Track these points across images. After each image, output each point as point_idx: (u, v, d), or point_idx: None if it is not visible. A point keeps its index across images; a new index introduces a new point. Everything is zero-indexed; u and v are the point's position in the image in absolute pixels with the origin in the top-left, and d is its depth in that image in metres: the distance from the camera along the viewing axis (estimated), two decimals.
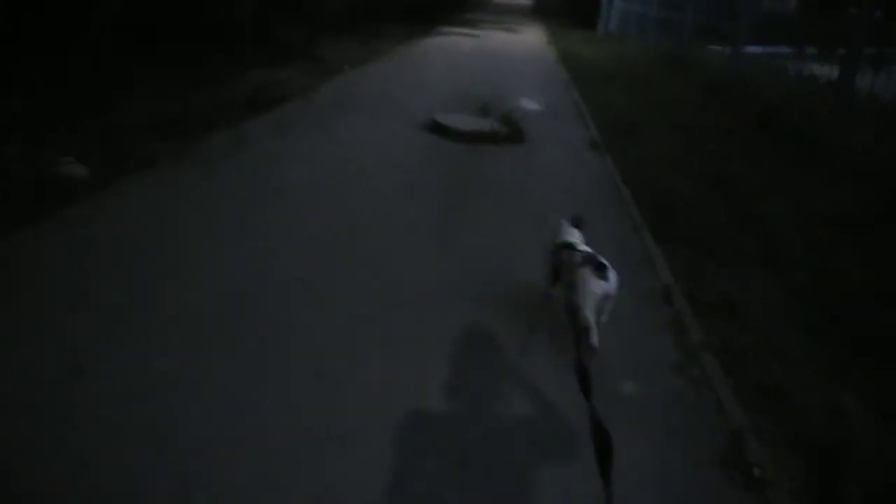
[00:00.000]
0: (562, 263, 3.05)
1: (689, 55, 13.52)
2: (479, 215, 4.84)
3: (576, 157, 6.66)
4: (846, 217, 5.14)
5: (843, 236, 4.84)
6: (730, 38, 11.85)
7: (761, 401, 2.83)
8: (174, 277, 3.45)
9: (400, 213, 4.77)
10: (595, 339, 2.60)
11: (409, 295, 3.48)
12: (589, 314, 2.67)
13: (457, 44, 16.38)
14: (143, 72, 7.93)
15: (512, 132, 7.08)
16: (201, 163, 5.45)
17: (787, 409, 2.77)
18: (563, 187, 5.62)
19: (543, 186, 5.57)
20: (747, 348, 3.28)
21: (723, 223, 5.09)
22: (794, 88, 8.95)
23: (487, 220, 4.76)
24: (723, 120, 8.87)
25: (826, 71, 8.86)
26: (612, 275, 2.83)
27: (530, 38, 19.40)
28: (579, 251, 3.00)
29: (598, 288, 2.76)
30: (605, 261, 2.87)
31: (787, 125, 7.77)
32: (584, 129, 7.96)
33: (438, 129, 7.08)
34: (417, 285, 3.60)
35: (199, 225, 4.21)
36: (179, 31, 10.00)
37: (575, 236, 3.20)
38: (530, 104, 9.13)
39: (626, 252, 4.35)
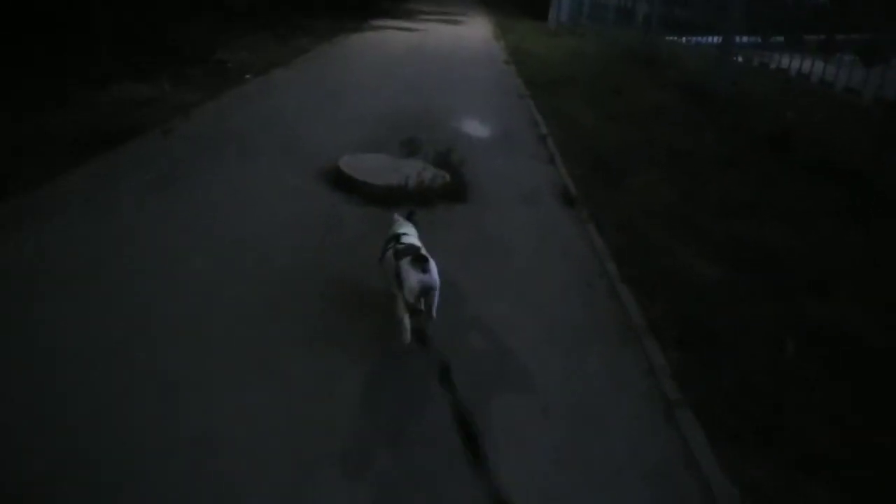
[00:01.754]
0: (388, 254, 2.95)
1: (661, 52, 11.59)
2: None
3: (544, 226, 4.56)
4: None
5: None
6: (713, 28, 9.91)
7: None
8: None
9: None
10: (406, 335, 2.80)
11: None
12: (400, 307, 2.77)
13: (390, 40, 14.10)
14: None
15: (449, 183, 4.95)
16: None
17: None
18: (533, 306, 3.49)
19: (501, 307, 3.42)
20: None
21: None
22: (816, 99, 7.02)
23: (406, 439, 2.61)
24: (721, 140, 6.93)
25: (842, 72, 6.99)
26: (432, 266, 2.74)
27: (476, 32, 17.24)
28: (403, 243, 2.95)
29: (416, 280, 2.70)
30: (426, 253, 2.81)
31: (818, 154, 5.86)
32: (549, 167, 5.87)
33: (343, 182, 4.89)
34: None
35: None
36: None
37: (407, 228, 3.15)
38: (475, 129, 7.00)
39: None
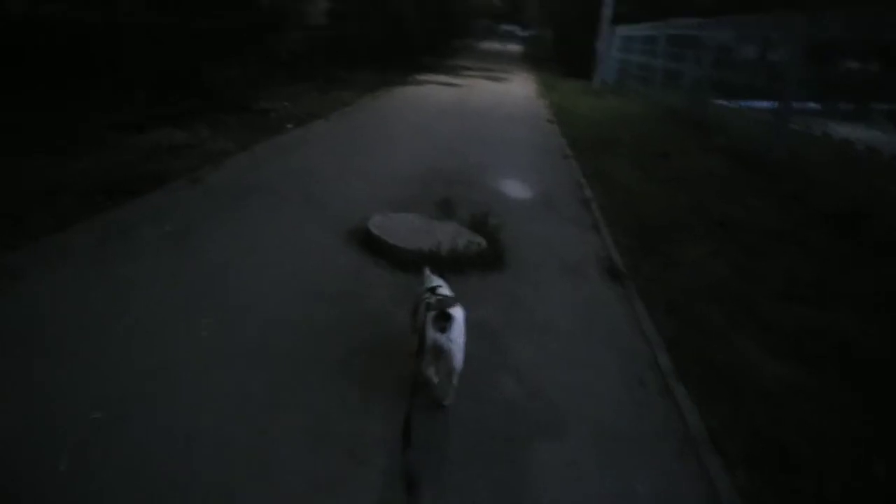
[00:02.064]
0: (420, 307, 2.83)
1: (708, 115, 11.20)
2: None
3: (587, 304, 4.12)
4: None
5: None
6: (766, 93, 9.49)
7: None
8: None
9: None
10: (442, 392, 2.70)
11: None
12: (426, 365, 2.62)
13: (432, 96, 14.05)
14: None
15: (485, 250, 4.57)
16: None
17: None
18: (575, 408, 3.04)
19: (536, 409, 2.98)
20: None
21: None
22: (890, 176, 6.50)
23: None
24: (777, 213, 6.44)
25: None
26: (454, 327, 2.60)
27: (519, 89, 17.16)
28: (439, 294, 2.83)
29: (431, 338, 2.58)
30: (453, 311, 2.65)
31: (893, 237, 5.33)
32: (593, 234, 5.46)
33: (371, 243, 4.56)
34: None
35: None
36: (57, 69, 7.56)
37: (440, 282, 3.00)
38: (515, 191, 6.66)
39: None
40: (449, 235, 4.63)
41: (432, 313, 2.63)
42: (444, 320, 2.61)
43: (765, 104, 9.72)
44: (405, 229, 4.74)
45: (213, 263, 4.08)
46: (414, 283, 3.31)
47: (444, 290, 2.93)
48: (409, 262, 4.17)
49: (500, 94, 15.70)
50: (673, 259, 5.00)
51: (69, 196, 5.16)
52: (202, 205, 5.19)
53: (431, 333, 2.59)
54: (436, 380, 2.67)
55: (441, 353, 2.62)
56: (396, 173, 6.73)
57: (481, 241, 4.67)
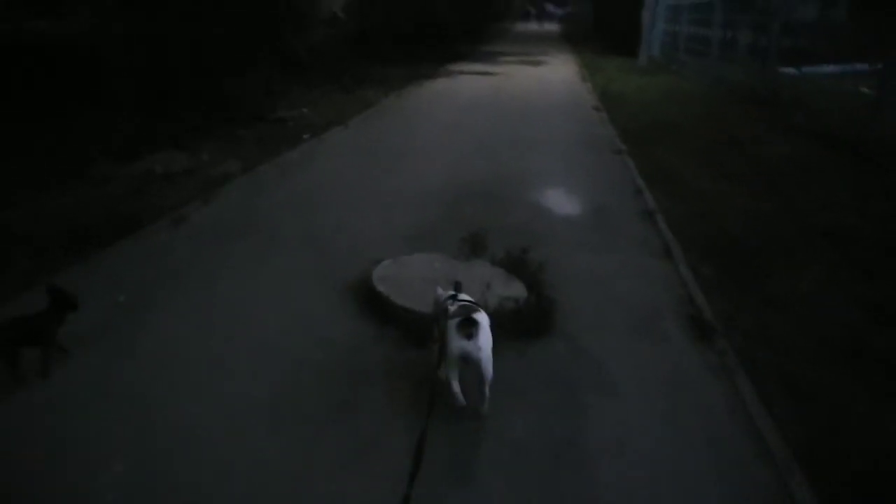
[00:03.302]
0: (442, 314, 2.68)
1: (781, 89, 9.72)
2: None
3: (670, 386, 2.97)
4: None
5: None
6: (853, 55, 8.01)
7: None
8: None
9: None
10: (457, 397, 2.47)
11: None
12: (445, 370, 2.48)
13: (464, 88, 12.88)
14: None
15: (526, 304, 3.47)
16: None
17: None
18: None
19: None
20: None
21: None
22: None
23: None
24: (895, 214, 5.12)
25: None
26: (480, 333, 2.47)
27: (559, 73, 15.82)
28: (461, 300, 2.71)
29: (457, 347, 2.45)
30: (478, 317, 2.53)
31: None
32: (665, 265, 4.28)
33: (375, 303, 3.52)
34: None
35: None
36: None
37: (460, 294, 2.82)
38: (560, 205, 5.51)
39: None
40: (478, 282, 3.55)
41: (456, 320, 2.50)
42: (471, 326, 2.47)
43: (849, 69, 8.26)
44: (420, 279, 3.68)
45: (167, 344, 3.11)
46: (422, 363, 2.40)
47: (466, 297, 2.78)
48: (423, 332, 3.11)
49: (540, 79, 14.41)
50: (775, 297, 3.79)
51: (24, 251, 4.29)
52: (174, 258, 4.23)
53: (457, 342, 2.45)
54: (456, 388, 2.47)
55: (469, 362, 2.48)
56: (418, 192, 5.67)
57: (519, 292, 3.57)
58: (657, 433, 2.59)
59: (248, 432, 2.51)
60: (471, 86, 13.11)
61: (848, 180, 6.04)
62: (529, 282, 3.72)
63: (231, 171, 6.52)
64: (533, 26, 43.62)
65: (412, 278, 3.69)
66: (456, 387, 2.47)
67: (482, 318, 2.55)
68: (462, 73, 15.27)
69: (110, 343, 3.13)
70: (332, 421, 2.60)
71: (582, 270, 4.08)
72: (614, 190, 5.96)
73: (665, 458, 2.45)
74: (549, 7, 53.71)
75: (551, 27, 42.24)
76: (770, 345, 3.25)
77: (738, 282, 3.97)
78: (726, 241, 4.58)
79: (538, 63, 18.11)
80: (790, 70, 10.21)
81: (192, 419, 2.57)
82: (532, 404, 2.73)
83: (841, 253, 4.47)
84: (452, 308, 2.61)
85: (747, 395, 2.82)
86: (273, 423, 2.57)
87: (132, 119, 7.33)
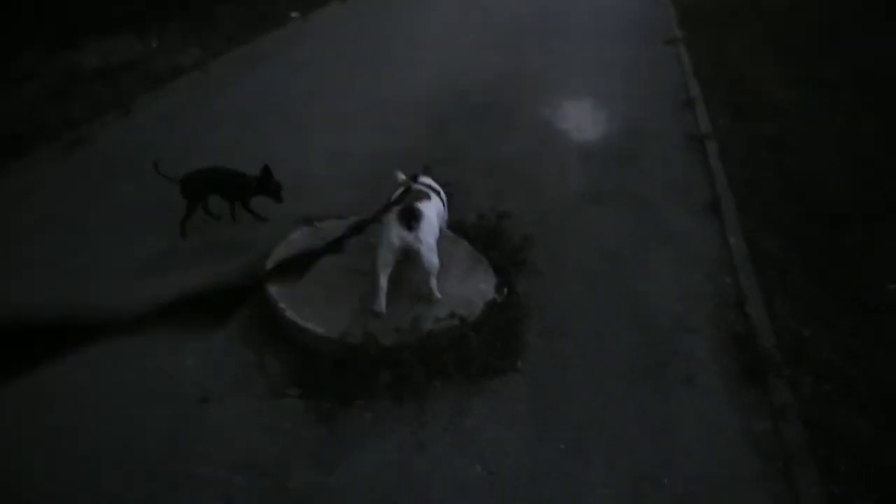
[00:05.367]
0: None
1: None
2: None
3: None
4: None
5: None
6: None
7: None
8: None
9: None
10: (380, 302, 2.25)
11: None
12: (380, 268, 2.25)
13: None
14: None
15: (494, 315, 2.33)
16: None
17: None
18: None
19: None
20: None
21: None
22: None
23: None
24: None
25: None
26: (423, 223, 2.23)
27: None
28: (419, 185, 2.49)
29: (397, 237, 2.23)
30: (422, 205, 2.30)
31: None
32: (710, 232, 3.00)
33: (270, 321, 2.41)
34: None
35: None
36: None
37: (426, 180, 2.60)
38: (585, 123, 4.13)
39: None
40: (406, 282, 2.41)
41: (397, 208, 2.28)
42: (412, 216, 2.24)
43: None
44: (336, 270, 2.51)
45: None
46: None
47: (428, 180, 2.57)
48: (330, 374, 2.04)
49: None
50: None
51: None
52: (33, 210, 3.11)
53: (396, 231, 2.23)
54: (382, 293, 2.23)
55: (409, 254, 2.26)
56: (400, 102, 4.37)
57: (479, 295, 2.41)
58: None
59: None
60: None
61: None
62: (505, 268, 2.55)
63: (183, 63, 5.31)
64: None
65: (325, 271, 2.50)
66: (382, 290, 2.25)
67: (428, 206, 2.34)
68: None
69: None
70: None
71: (586, 238, 2.87)
72: (656, 100, 4.52)
73: None
74: None
75: None
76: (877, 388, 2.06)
77: (817, 263, 2.69)
78: (804, 189, 3.21)
79: None
80: None
81: None
82: None
83: None
84: (395, 195, 2.42)
85: None
86: None
87: None
